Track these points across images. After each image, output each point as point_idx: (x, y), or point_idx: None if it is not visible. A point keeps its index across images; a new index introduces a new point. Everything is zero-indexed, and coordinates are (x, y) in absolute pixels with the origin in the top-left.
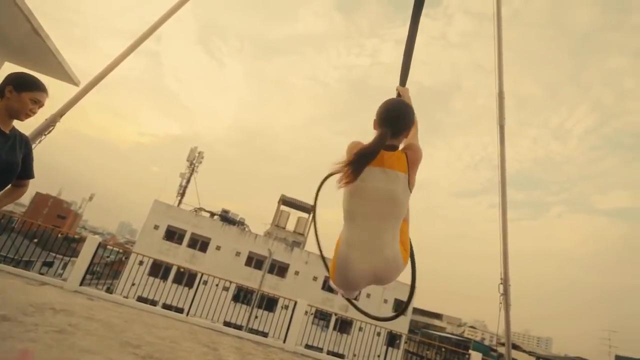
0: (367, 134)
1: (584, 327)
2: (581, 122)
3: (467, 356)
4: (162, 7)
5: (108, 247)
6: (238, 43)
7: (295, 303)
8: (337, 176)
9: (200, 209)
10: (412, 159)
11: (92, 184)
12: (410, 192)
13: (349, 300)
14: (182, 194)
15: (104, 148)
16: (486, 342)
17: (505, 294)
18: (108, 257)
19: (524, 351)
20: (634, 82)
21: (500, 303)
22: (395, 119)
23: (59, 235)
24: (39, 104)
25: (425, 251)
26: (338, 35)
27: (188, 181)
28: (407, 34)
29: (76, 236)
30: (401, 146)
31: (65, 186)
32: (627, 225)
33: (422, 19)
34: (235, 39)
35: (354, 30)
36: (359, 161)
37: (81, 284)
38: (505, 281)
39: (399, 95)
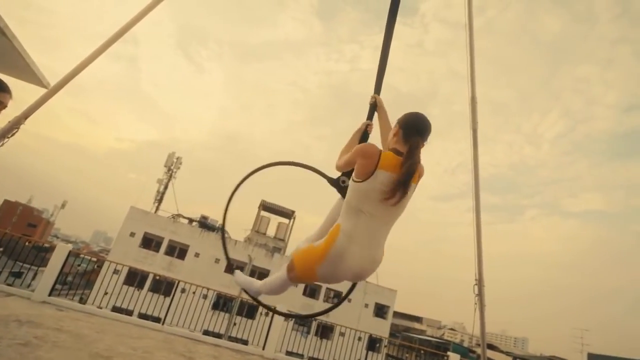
0: (346, 139)
1: (558, 327)
2: (552, 127)
3: (445, 358)
4: (136, 9)
5: (80, 255)
6: (218, 48)
7: (274, 308)
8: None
9: (178, 215)
10: (422, 172)
11: (65, 191)
12: None
13: (254, 298)
14: (160, 201)
15: (79, 154)
16: (465, 344)
17: (480, 294)
18: (79, 265)
19: (501, 351)
20: (601, 89)
21: (475, 304)
22: (429, 130)
23: (27, 243)
24: (2, 105)
25: (404, 255)
26: (317, 41)
27: (166, 187)
28: (381, 42)
29: (47, 245)
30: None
31: (37, 193)
32: (597, 227)
33: (399, 27)
34: (215, 44)
35: (333, 36)
36: (408, 178)
37: (50, 294)
38: (479, 282)
39: (374, 103)
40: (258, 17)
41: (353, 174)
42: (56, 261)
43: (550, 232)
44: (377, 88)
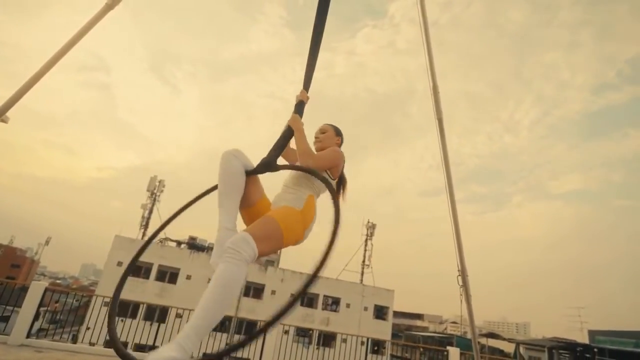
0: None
1: (557, 308)
2: (528, 114)
3: (445, 353)
4: (111, 39)
5: (64, 291)
6: (192, 67)
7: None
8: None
9: (166, 239)
10: None
11: (48, 227)
12: None
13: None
14: (146, 226)
15: (59, 187)
16: (468, 335)
17: (465, 284)
18: (65, 301)
19: (504, 339)
20: (569, 73)
21: (461, 295)
22: None
23: (15, 286)
24: None
25: (397, 254)
26: (291, 51)
27: (150, 212)
28: (308, 48)
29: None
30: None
31: (18, 232)
32: (581, 206)
33: (370, 31)
34: (188, 64)
35: (306, 45)
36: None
37: (28, 336)
38: (462, 272)
39: (300, 103)
40: (229, 33)
41: (330, 172)
42: (31, 300)
43: (537, 216)
44: (307, 84)
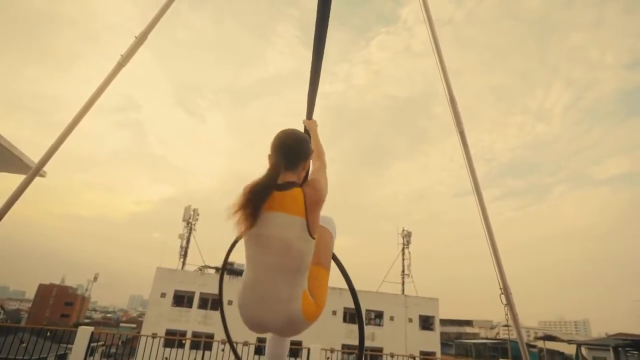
0: (353, 157)
1: (618, 301)
2: (559, 100)
3: None
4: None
5: (109, 333)
6: (214, 96)
7: (309, 350)
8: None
9: (205, 266)
10: (311, 200)
11: (95, 264)
12: (313, 237)
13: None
14: (185, 256)
15: (102, 224)
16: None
17: (509, 303)
18: (113, 337)
19: (563, 340)
20: (598, 53)
21: (506, 314)
22: (289, 147)
23: (70, 323)
24: None
25: (437, 260)
26: (308, 68)
27: (188, 241)
28: (310, 67)
29: (86, 320)
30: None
31: (68, 272)
32: (629, 189)
33: (384, 38)
34: (211, 93)
35: (324, 60)
36: (253, 200)
37: None
38: (505, 290)
39: (305, 128)
40: (247, 59)
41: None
42: (80, 344)
43: (582, 205)
44: (310, 112)
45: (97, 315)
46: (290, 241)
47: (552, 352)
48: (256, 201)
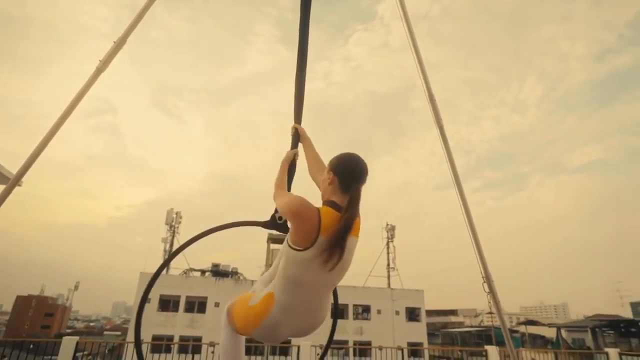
0: (336, 153)
1: (594, 283)
2: (533, 92)
3: (484, 353)
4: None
5: (95, 342)
6: (193, 96)
7: (299, 348)
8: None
9: (190, 269)
10: (359, 222)
11: (76, 272)
12: None
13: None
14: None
15: (81, 232)
16: (507, 324)
17: (491, 291)
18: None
19: (543, 324)
20: (568, 44)
21: (489, 302)
22: (366, 175)
23: (51, 334)
24: None
25: (421, 253)
26: (287, 66)
27: (171, 244)
28: (295, 74)
29: (68, 330)
30: None
31: (48, 282)
32: (602, 176)
33: (362, 35)
34: (189, 94)
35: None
36: (344, 235)
37: None
38: (487, 278)
39: (296, 133)
40: (225, 58)
41: (290, 240)
42: (64, 357)
43: (559, 192)
44: (297, 117)
45: (79, 325)
46: (350, 261)
47: (534, 336)
48: (345, 235)
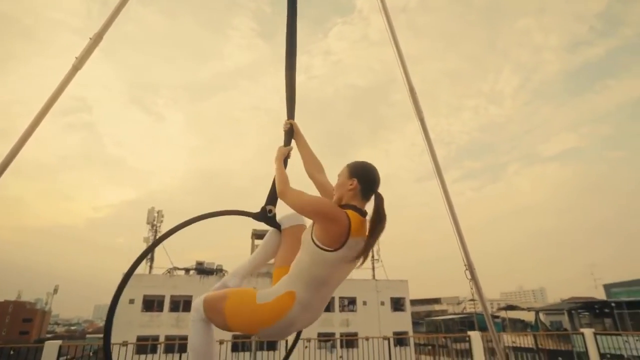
0: (321, 147)
1: (571, 268)
2: (509, 83)
3: (467, 339)
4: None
5: (79, 345)
6: (172, 93)
7: (287, 342)
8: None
9: (174, 268)
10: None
11: (54, 276)
12: None
13: None
14: (151, 259)
15: (59, 235)
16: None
17: (474, 277)
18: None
19: (523, 309)
20: (542, 36)
21: (472, 288)
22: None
23: (31, 340)
24: None
25: (404, 244)
26: (267, 61)
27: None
28: (284, 69)
29: (49, 335)
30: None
31: (25, 286)
32: (576, 164)
33: (342, 28)
34: (167, 90)
35: (282, 51)
36: (376, 239)
37: None
38: (469, 266)
39: (290, 129)
40: (203, 53)
41: (318, 241)
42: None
43: (535, 181)
44: (290, 113)
45: (60, 329)
46: None
47: (514, 321)
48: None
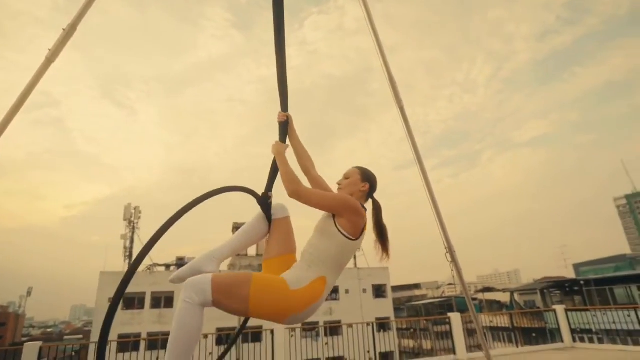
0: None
1: (543, 249)
2: (482, 72)
3: (447, 320)
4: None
5: (61, 345)
6: (144, 86)
7: (273, 332)
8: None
9: (154, 265)
10: None
11: (27, 278)
12: None
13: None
14: (130, 256)
15: (30, 235)
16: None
17: (454, 260)
18: (65, 350)
19: (498, 290)
20: (513, 26)
21: (452, 270)
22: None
23: (5, 344)
24: None
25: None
26: (243, 51)
27: (132, 241)
28: (275, 62)
29: (24, 339)
30: None
31: None
32: (546, 150)
33: (317, 18)
34: (140, 83)
35: (257, 43)
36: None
37: None
38: (450, 249)
39: (287, 122)
40: (176, 44)
41: (342, 227)
42: None
43: (508, 167)
44: (284, 105)
45: (35, 332)
46: None
47: (490, 302)
48: None
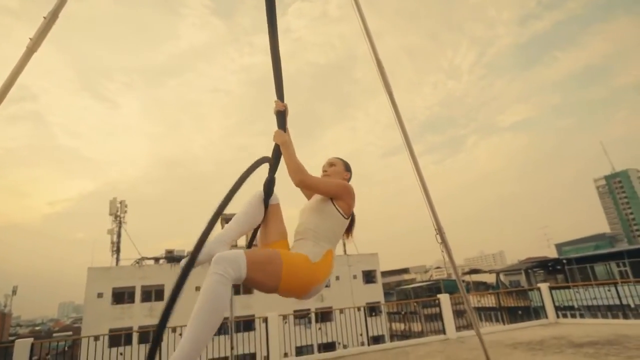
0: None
1: (526, 231)
2: (465, 57)
3: (437, 301)
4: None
5: (52, 340)
6: (126, 77)
7: (266, 319)
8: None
9: (142, 258)
10: None
11: (12, 277)
12: None
13: None
14: (117, 251)
15: (12, 233)
16: (453, 277)
17: (444, 240)
18: (57, 347)
19: (485, 272)
20: (495, 10)
21: (442, 251)
22: None
23: None
24: None
25: (373, 220)
26: (225, 40)
27: (119, 235)
28: (270, 50)
29: (11, 337)
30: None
31: None
32: (529, 133)
33: (301, 5)
34: (121, 75)
35: (239, 31)
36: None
37: None
38: (439, 230)
39: (285, 111)
40: (156, 33)
41: (340, 209)
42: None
43: (492, 151)
44: (279, 94)
45: (23, 331)
46: None
47: (477, 283)
48: None
